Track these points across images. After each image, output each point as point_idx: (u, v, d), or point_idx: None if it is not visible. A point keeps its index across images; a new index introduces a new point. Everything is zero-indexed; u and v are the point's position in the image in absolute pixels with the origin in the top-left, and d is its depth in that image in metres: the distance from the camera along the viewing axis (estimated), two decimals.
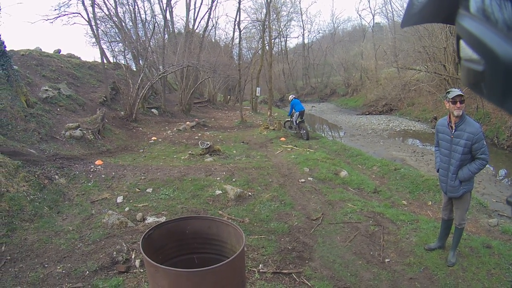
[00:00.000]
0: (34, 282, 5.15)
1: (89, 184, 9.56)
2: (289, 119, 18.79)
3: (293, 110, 17.93)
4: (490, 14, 0.58)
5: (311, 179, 9.61)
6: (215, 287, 2.86)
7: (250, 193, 8.42)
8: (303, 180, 9.48)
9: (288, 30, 58.10)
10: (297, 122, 17.79)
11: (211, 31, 37.95)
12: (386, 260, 5.60)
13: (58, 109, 15.61)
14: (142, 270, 5.29)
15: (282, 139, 15.65)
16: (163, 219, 7.18)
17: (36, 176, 8.98)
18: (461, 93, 5.01)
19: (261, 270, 5.15)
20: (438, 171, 5.59)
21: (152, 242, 3.36)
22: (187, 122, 19.96)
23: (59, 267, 5.55)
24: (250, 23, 34.31)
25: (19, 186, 8.23)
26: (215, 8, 38.87)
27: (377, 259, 5.58)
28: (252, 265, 5.31)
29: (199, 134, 17.75)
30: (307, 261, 5.47)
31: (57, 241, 6.51)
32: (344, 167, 10.78)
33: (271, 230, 6.50)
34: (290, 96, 19.06)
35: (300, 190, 8.76)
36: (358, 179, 9.82)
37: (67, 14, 22.66)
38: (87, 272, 5.37)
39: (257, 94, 28.68)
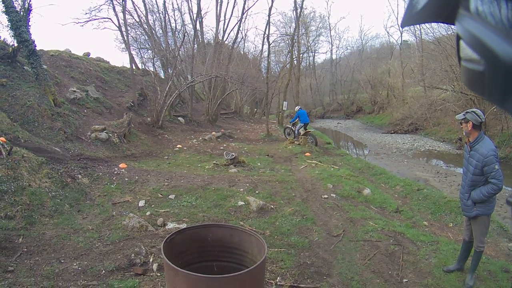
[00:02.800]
0: (48, 275, 5.16)
1: (112, 186, 9.67)
2: (290, 126, 20.06)
3: (298, 119, 19.05)
4: (490, 14, 0.58)
5: (334, 195, 9.52)
6: None
7: (272, 206, 8.41)
8: (326, 196, 9.40)
9: (317, 45, 58.36)
10: (300, 132, 18.77)
11: (240, 43, 38.23)
12: (404, 280, 5.56)
13: (85, 111, 15.91)
14: (159, 274, 5.28)
15: (307, 154, 15.55)
16: (183, 226, 7.12)
17: (59, 173, 9.11)
18: (461, 117, 5.16)
19: (278, 283, 5.15)
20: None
21: (174, 247, 3.40)
22: (213, 132, 20.00)
23: (75, 264, 5.56)
24: (279, 37, 34.36)
25: (42, 182, 8.35)
26: (244, 20, 39.40)
27: (395, 279, 5.55)
28: (270, 277, 5.30)
29: (224, 145, 17.77)
30: (325, 277, 5.46)
31: (76, 238, 6.55)
32: (368, 185, 10.68)
33: (291, 244, 6.50)
34: (297, 107, 20.13)
35: (322, 206, 8.70)
36: (380, 198, 9.72)
37: (97, 19, 23.29)
38: (103, 271, 5.37)
39: (283, 108, 28.67)
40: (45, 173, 8.73)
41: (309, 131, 19.27)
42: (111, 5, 21.85)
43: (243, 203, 8.40)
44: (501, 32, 0.56)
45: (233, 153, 13.03)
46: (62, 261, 5.68)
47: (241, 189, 9.49)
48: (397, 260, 6.11)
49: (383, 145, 24.72)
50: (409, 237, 6.98)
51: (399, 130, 32.13)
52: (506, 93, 0.57)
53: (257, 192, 9.39)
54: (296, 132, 19.24)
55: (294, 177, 11.21)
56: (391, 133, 31.66)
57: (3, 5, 13.61)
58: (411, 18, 0.78)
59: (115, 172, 10.63)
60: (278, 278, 5.29)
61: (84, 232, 6.89)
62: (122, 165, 11.31)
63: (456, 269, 5.80)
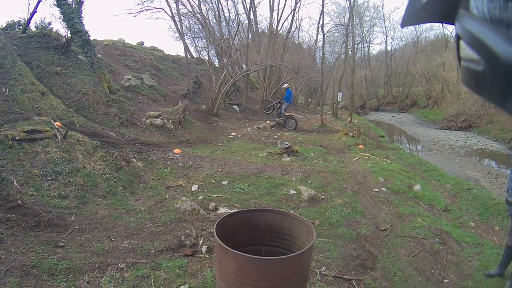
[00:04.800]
0: (98, 252, 5.32)
1: (166, 170, 9.90)
2: (272, 101, 21.10)
3: (285, 99, 20.11)
4: (490, 14, 0.58)
5: (385, 189, 9.41)
6: (279, 277, 2.96)
7: (323, 197, 8.42)
8: (376, 189, 9.30)
9: (371, 36, 56.74)
10: (283, 112, 20.13)
11: (295, 32, 37.81)
12: (445, 280, 5.49)
13: (140, 98, 16.30)
14: (207, 256, 5.41)
15: (360, 146, 15.27)
16: (235, 211, 7.16)
17: (114, 157, 9.42)
18: None
19: (323, 272, 5.19)
20: (507, 191, 5.34)
21: (225, 229, 3.50)
22: (267, 121, 19.89)
23: (125, 243, 5.72)
24: (334, 27, 33.68)
25: (96, 164, 8.67)
26: (298, 10, 38.83)
27: (437, 278, 5.50)
28: (315, 266, 5.34)
29: (278, 134, 17.65)
30: (369, 270, 5.48)
31: (127, 218, 6.76)
32: (418, 181, 10.47)
33: (339, 235, 6.55)
34: (285, 85, 20.75)
35: (372, 199, 8.62)
36: (430, 195, 9.48)
37: (150, 9, 23.57)
38: (153, 250, 5.49)
39: (338, 99, 28.22)
40: (99, 156, 9.05)
41: (292, 114, 20.73)
42: None
43: (295, 192, 8.44)
44: (501, 32, 0.56)
45: (287, 142, 12.96)
46: (113, 239, 5.86)
47: (294, 178, 9.49)
48: (441, 259, 6.06)
49: (436, 141, 24.02)
50: (454, 237, 6.90)
51: (453, 127, 30.92)
52: (506, 93, 0.57)
53: (309, 182, 9.36)
54: (283, 110, 20.19)
55: (346, 169, 11.12)
56: (445, 129, 30.55)
57: None
58: (411, 18, 0.80)
59: (169, 157, 10.88)
60: (323, 267, 5.34)
61: (136, 213, 7.10)
62: (176, 151, 11.53)
63: (497, 274, 5.61)
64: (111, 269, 4.83)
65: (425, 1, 0.73)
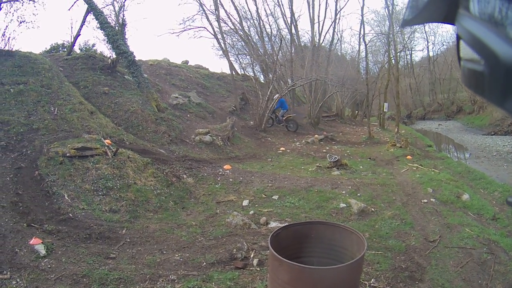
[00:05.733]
0: (150, 264, 5.40)
1: (216, 186, 9.98)
2: (271, 115, 20.79)
3: (280, 107, 20.76)
4: (490, 14, 0.59)
5: (434, 200, 9.32)
6: (331, 286, 3.12)
7: (373, 209, 8.45)
8: (425, 200, 9.23)
9: (413, 43, 55.64)
10: (283, 118, 20.79)
11: (337, 44, 37.50)
12: None
13: (188, 115, 16.54)
14: (258, 269, 5.49)
15: (409, 157, 14.98)
16: (282, 225, 7.19)
17: (164, 173, 9.57)
18: None
19: (372, 285, 5.26)
20: None
21: (279, 241, 3.63)
22: (315, 135, 19.72)
23: (177, 255, 5.79)
24: (375, 36, 33.18)
25: (147, 180, 8.84)
26: (338, 21, 38.46)
27: None
28: (365, 278, 5.37)
29: (327, 148, 17.48)
30: (417, 282, 5.50)
31: (179, 232, 6.85)
32: (467, 190, 10.31)
33: (388, 247, 6.58)
34: (277, 95, 20.74)
35: (421, 210, 8.57)
36: (478, 204, 9.36)
37: (192, 28, 24.19)
38: (204, 263, 5.57)
39: (384, 110, 27.68)
40: (150, 172, 9.21)
41: (290, 116, 21.21)
42: (203, 14, 22.58)
43: (345, 205, 8.46)
44: (501, 32, 0.56)
45: (336, 156, 12.88)
46: (164, 252, 5.95)
47: (343, 192, 9.49)
48: (488, 269, 6.01)
49: (483, 148, 23.42)
50: (502, 246, 6.83)
51: (499, 131, 29.85)
52: (506, 93, 0.57)
53: (358, 194, 9.37)
54: (280, 117, 20.77)
55: (395, 181, 11.06)
56: (491, 135, 29.55)
57: (97, 21, 14.89)
58: (412, 18, 0.80)
59: (220, 173, 10.97)
60: (372, 279, 5.38)
61: (188, 227, 7.19)
62: (226, 167, 11.60)
63: None
64: (162, 281, 4.90)
65: (426, 2, 0.74)
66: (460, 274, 5.74)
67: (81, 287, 4.57)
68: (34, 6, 13.67)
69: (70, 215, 6.73)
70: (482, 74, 0.60)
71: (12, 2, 12.38)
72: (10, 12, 12.39)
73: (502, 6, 0.57)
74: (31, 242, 5.58)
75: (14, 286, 4.57)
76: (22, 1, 12.78)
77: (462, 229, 7.46)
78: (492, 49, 0.56)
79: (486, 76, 0.60)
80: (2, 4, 11.77)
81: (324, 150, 16.48)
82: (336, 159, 12.50)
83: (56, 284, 4.51)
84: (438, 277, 5.61)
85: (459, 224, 7.70)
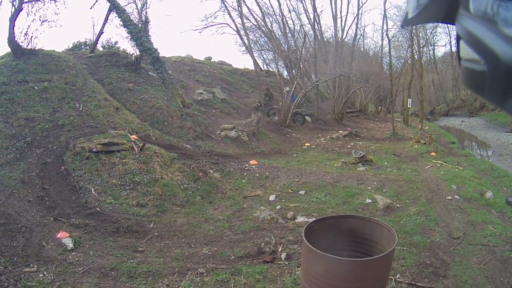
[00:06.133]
0: (178, 257, 5.44)
1: (243, 181, 10.03)
2: (274, 107, 20.37)
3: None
4: (490, 14, 0.59)
5: (457, 197, 9.34)
6: (362, 278, 3.17)
7: (398, 205, 8.52)
8: (449, 197, 9.27)
9: (435, 38, 54.82)
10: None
11: (360, 39, 37.13)
12: None
13: (213, 111, 16.63)
14: (286, 263, 5.56)
15: (433, 154, 14.95)
16: (312, 220, 7.13)
17: (191, 168, 9.62)
18: None
19: (398, 280, 5.34)
20: None
21: (312, 233, 3.67)
22: (340, 131, 19.59)
23: (205, 249, 5.81)
24: (398, 31, 32.72)
25: (174, 175, 8.90)
26: (361, 16, 37.80)
27: (505, 286, 5.51)
28: (391, 273, 5.31)
29: (352, 144, 17.37)
30: (441, 278, 5.56)
31: (206, 226, 6.89)
32: (490, 188, 10.30)
33: (413, 243, 6.65)
34: (287, 89, 20.36)
35: (446, 207, 8.62)
36: (502, 202, 9.32)
37: (214, 25, 24.20)
38: (233, 257, 5.60)
39: (408, 106, 27.29)
40: (177, 167, 9.28)
41: (298, 110, 20.62)
42: (225, 11, 22.56)
43: (371, 201, 8.51)
44: (501, 32, 0.56)
45: (361, 152, 12.86)
46: (192, 245, 5.98)
47: (369, 187, 9.53)
48: (510, 267, 6.05)
49: (506, 145, 23.14)
50: None
51: None
52: (506, 93, 0.58)
53: (384, 190, 9.41)
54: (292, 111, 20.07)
55: (420, 177, 11.07)
56: None
57: (120, 19, 15.03)
58: (412, 18, 0.81)
59: (246, 168, 11.01)
60: (397, 275, 5.46)
61: (215, 221, 7.24)
62: (252, 162, 11.64)
63: None
64: (190, 274, 4.94)
65: (426, 2, 0.75)
66: (483, 271, 5.78)
67: (109, 280, 4.61)
68: (56, 6, 13.76)
69: (98, 209, 6.82)
70: (482, 74, 0.61)
71: (33, 2, 12.50)
72: (32, 12, 12.50)
73: (493, 4, 0.58)
74: (58, 236, 5.65)
75: (41, 278, 4.61)
76: (43, 1, 12.89)
77: (486, 226, 7.50)
78: (492, 49, 0.56)
79: (486, 76, 0.60)
80: (23, 5, 11.87)
81: (349, 146, 16.48)
82: (362, 155, 12.51)
83: (84, 277, 4.57)
84: (462, 274, 5.68)
85: (482, 222, 7.74)
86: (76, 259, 5.14)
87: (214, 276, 4.87)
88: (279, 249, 5.94)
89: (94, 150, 8.33)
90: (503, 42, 0.55)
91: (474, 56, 0.63)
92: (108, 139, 8.86)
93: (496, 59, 0.56)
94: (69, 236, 5.67)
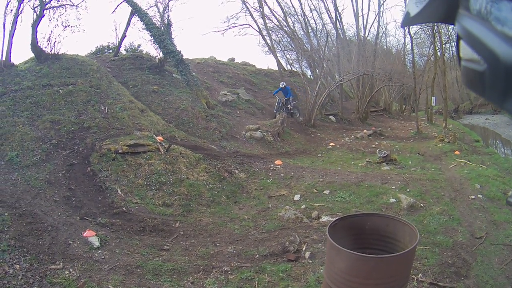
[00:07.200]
0: (203, 256, 5.51)
1: (268, 180, 10.06)
2: (280, 101, 19.67)
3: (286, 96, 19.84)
4: (490, 15, 0.59)
5: (481, 196, 9.21)
6: (385, 275, 3.22)
7: (422, 205, 8.47)
8: (473, 196, 9.14)
9: None
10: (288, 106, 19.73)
11: (382, 38, 36.69)
12: None
13: (238, 112, 16.67)
14: (310, 261, 5.60)
15: (456, 152, 14.75)
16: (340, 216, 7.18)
17: (216, 168, 9.69)
18: None
19: (419, 279, 5.35)
20: None
21: (336, 231, 3.69)
22: (364, 130, 19.43)
23: (230, 248, 5.87)
24: (420, 28, 32.06)
25: (199, 175, 9.00)
26: (382, 14, 37.24)
27: None
28: (413, 273, 5.37)
29: (376, 143, 17.23)
30: (462, 278, 5.55)
31: (232, 226, 6.96)
32: None
33: (436, 242, 6.61)
34: (283, 84, 19.96)
35: (469, 206, 8.54)
36: None
37: (237, 26, 24.31)
38: (257, 255, 5.66)
39: (432, 104, 26.81)
40: (202, 168, 9.37)
41: (295, 103, 20.54)
42: (247, 12, 22.58)
43: (395, 200, 8.50)
44: (501, 32, 0.56)
45: (386, 151, 12.81)
46: (218, 244, 6.05)
47: (393, 187, 9.50)
48: None
49: None
50: None
51: None
52: (506, 93, 0.58)
53: (408, 190, 9.35)
54: (290, 106, 19.61)
55: (443, 176, 10.95)
56: None
57: (142, 22, 15.26)
58: (412, 18, 0.81)
59: (271, 168, 11.03)
60: (420, 274, 5.48)
61: (240, 221, 7.30)
62: (277, 162, 11.65)
63: None
64: (215, 272, 5.01)
65: (426, 2, 0.75)
66: (504, 272, 5.75)
67: (135, 277, 4.69)
68: (78, 11, 14.03)
69: (124, 209, 6.95)
70: (482, 74, 0.61)
71: (55, 9, 12.73)
72: (54, 18, 12.74)
73: (486, 3, 0.59)
74: (84, 234, 5.77)
75: (67, 275, 4.72)
76: (65, 7, 13.11)
77: (508, 226, 7.46)
78: (492, 49, 0.57)
79: (486, 76, 0.60)
80: (44, 11, 12.10)
81: (373, 145, 16.36)
82: (386, 154, 12.45)
83: (109, 274, 4.67)
84: (483, 274, 5.65)
85: (505, 222, 7.70)
86: (102, 257, 5.26)
87: (238, 274, 4.92)
88: (303, 248, 5.98)
89: (120, 151, 8.47)
90: (503, 42, 0.55)
91: (474, 56, 0.63)
92: (134, 140, 9.00)
93: (496, 59, 0.56)
94: (95, 234, 5.80)
